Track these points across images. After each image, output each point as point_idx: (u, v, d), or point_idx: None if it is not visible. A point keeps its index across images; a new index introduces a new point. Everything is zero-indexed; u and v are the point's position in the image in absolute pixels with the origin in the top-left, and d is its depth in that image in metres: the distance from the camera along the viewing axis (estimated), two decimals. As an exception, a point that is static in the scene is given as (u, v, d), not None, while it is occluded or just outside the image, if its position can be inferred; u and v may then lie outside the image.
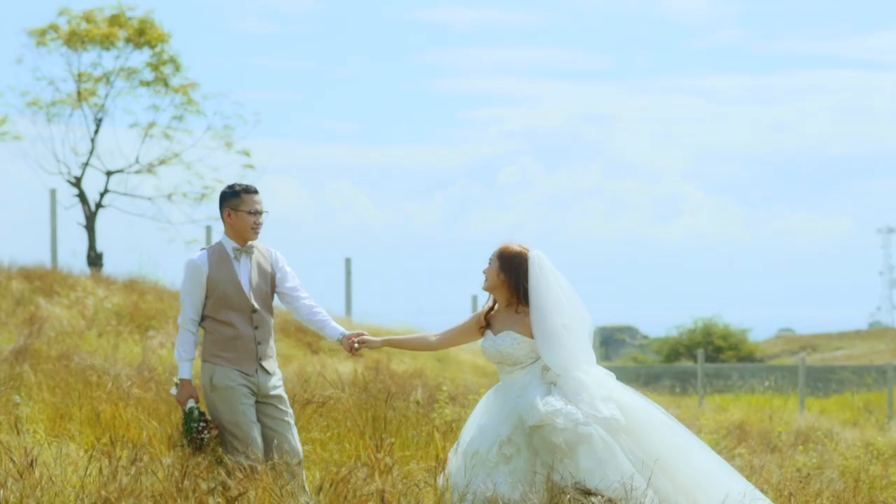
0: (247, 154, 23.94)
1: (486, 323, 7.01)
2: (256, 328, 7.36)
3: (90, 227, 23.12)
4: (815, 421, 20.46)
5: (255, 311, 7.34)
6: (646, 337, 56.00)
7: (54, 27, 22.94)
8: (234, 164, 24.18)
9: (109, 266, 22.92)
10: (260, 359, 7.34)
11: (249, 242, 7.45)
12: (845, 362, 42.07)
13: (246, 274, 7.39)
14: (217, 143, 23.79)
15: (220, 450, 7.24)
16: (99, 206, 23.28)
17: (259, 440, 7.24)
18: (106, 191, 23.38)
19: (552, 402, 6.65)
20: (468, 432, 6.93)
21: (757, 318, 56.18)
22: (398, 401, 10.61)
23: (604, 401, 6.67)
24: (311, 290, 7.57)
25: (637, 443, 6.60)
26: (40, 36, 22.94)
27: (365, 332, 7.31)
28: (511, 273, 6.92)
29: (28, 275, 19.02)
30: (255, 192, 7.42)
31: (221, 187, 7.52)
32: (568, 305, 6.86)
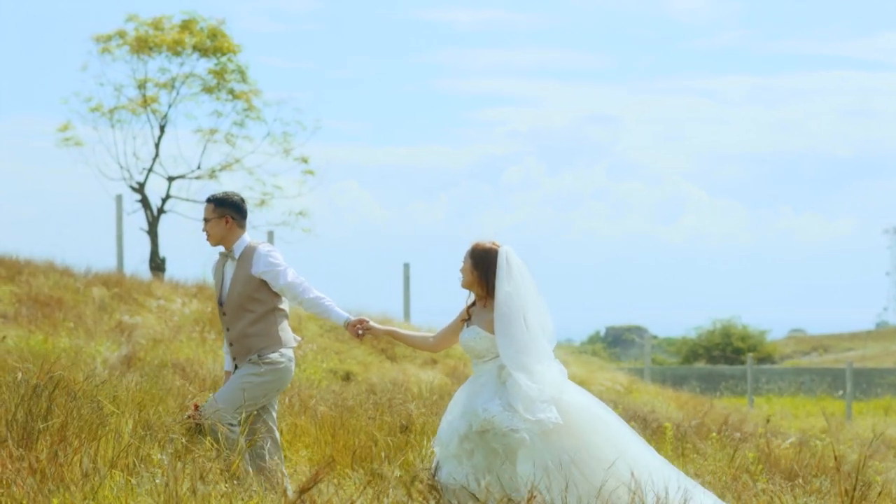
0: (304, 161, 24.07)
1: (468, 316, 7.16)
2: (227, 329, 7.58)
3: (153, 232, 23.28)
4: (873, 426, 20.70)
5: (223, 313, 7.59)
6: (655, 337, 56.18)
7: (121, 33, 23.08)
8: (293, 169, 24.29)
9: (171, 271, 23.09)
10: (234, 357, 7.57)
11: (232, 247, 7.64)
12: (859, 363, 42.37)
13: (229, 277, 7.60)
14: (275, 149, 23.93)
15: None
16: (161, 211, 23.47)
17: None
18: (168, 196, 23.58)
19: (491, 408, 6.78)
20: (440, 425, 7.10)
21: (762, 318, 56.48)
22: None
23: (544, 403, 6.75)
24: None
25: (581, 442, 6.71)
26: (106, 42, 23.09)
27: (368, 320, 7.41)
28: (482, 269, 7.07)
29: (106, 281, 19.17)
30: (205, 201, 7.66)
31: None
32: (529, 301, 6.97)
